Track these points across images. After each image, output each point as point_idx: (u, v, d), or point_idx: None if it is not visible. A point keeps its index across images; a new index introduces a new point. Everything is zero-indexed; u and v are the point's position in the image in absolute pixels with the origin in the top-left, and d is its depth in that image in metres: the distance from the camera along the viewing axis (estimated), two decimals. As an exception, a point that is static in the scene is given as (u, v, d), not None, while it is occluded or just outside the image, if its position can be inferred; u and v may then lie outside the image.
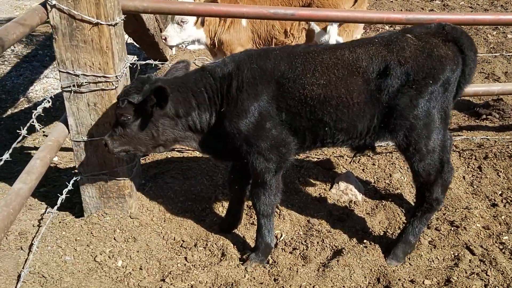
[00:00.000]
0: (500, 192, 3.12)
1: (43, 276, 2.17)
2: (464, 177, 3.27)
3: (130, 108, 2.23)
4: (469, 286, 2.31)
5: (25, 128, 2.40)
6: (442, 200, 2.50)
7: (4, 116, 4.86)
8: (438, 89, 2.21)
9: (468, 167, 3.36)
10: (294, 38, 4.03)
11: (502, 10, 8.80)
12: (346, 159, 3.39)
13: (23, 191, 1.97)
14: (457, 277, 2.38)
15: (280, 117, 2.28)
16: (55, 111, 4.52)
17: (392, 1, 9.70)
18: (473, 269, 2.45)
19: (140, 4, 2.68)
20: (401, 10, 8.99)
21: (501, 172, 3.27)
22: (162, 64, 3.67)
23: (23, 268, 2.18)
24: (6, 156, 2.19)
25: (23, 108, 5.11)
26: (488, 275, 2.41)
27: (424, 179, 2.37)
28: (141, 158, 3.38)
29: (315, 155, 3.47)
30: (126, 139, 2.31)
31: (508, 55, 6.31)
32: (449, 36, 2.27)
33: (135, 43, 5.45)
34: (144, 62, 3.07)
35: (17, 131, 2.54)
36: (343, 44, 2.40)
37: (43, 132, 4.45)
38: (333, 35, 3.75)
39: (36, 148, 4.07)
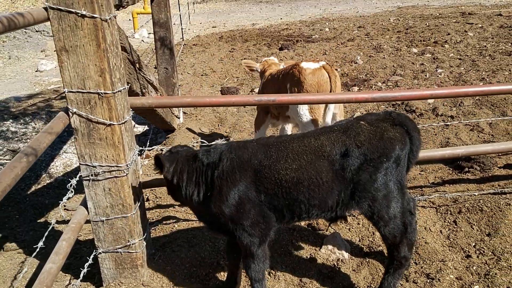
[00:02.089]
0: (474, 244, 3.44)
1: None
2: (441, 231, 3.61)
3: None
4: (440, 334, 2.62)
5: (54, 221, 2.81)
6: (410, 257, 2.84)
7: (28, 192, 5.36)
8: (391, 165, 2.62)
9: (444, 221, 3.70)
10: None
11: (490, 60, 9.34)
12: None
13: (53, 269, 2.38)
14: (430, 326, 2.69)
15: (259, 198, 2.69)
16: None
17: (384, 57, 10.33)
18: (445, 318, 2.76)
19: (146, 101, 3.21)
20: (394, 65, 9.58)
21: (474, 225, 3.61)
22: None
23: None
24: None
25: (45, 184, 5.61)
26: (458, 323, 2.71)
27: (391, 241, 2.74)
28: (151, 229, 3.80)
29: (306, 217, 3.86)
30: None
31: (493, 106, 6.76)
32: (395, 121, 2.72)
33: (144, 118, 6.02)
34: (150, 149, 3.56)
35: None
36: (309, 133, 2.85)
37: (64, 206, 4.92)
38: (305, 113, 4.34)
39: (57, 222, 4.50)
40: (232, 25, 18.89)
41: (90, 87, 2.68)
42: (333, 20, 18.04)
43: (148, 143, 6.03)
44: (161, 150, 6.02)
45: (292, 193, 2.64)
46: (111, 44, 2.72)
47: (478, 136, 5.71)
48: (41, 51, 14.69)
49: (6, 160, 6.19)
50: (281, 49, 12.17)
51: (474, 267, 3.18)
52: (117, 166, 2.86)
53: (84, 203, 3.01)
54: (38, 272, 3.42)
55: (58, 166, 6.00)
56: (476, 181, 4.48)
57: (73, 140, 6.99)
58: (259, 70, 5.59)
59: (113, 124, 2.78)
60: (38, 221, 4.67)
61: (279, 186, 2.64)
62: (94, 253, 3.05)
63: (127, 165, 2.89)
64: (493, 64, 8.97)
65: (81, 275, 2.84)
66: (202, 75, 9.83)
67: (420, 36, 12.48)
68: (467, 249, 3.39)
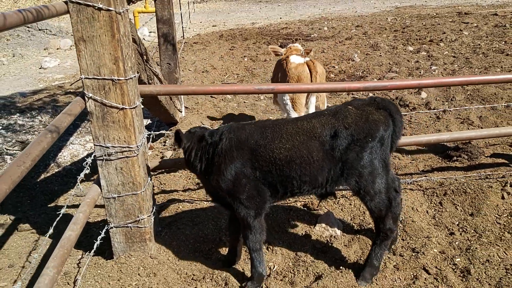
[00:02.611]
0: (457, 223, 3.71)
1: (86, 304, 2.81)
2: (427, 211, 3.88)
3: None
4: (422, 298, 2.89)
5: (73, 191, 3.07)
6: (395, 229, 3.10)
7: (38, 180, 5.62)
8: (376, 144, 2.89)
9: (431, 202, 3.98)
10: None
11: (483, 57, 9.62)
12: (327, 201, 4.04)
13: (72, 236, 2.65)
14: (413, 292, 2.96)
15: (255, 175, 2.96)
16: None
17: (380, 55, 10.60)
18: (427, 285, 3.02)
19: (154, 89, 3.48)
20: (389, 62, 9.86)
21: (458, 205, 3.88)
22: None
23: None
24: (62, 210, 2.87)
25: (54, 172, 5.87)
26: (439, 290, 2.98)
27: (377, 215, 3.01)
28: (158, 211, 4.07)
29: (302, 199, 4.14)
30: None
31: (483, 101, 7.03)
32: (379, 105, 2.98)
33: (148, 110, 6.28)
34: (157, 133, 3.83)
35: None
36: (302, 116, 3.12)
37: (73, 193, 5.18)
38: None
39: (69, 207, 4.77)
40: (232, 24, 19.16)
41: (105, 74, 2.94)
42: (331, 19, 18.31)
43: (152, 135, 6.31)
44: (164, 142, 6.33)
45: (285, 170, 2.91)
46: (124, 35, 2.98)
47: (468, 129, 5.97)
48: (44, 49, 14.92)
49: (16, 150, 6.44)
50: (280, 46, 12.42)
51: (457, 243, 3.46)
52: (128, 147, 3.13)
53: (97, 182, 3.27)
54: (51, 248, 3.69)
55: (66, 156, 6.26)
56: (463, 169, 4.75)
57: (78, 133, 7.26)
58: (282, 55, 5.82)
59: (125, 108, 3.04)
60: (49, 205, 4.93)
61: (273, 164, 2.91)
62: (106, 228, 3.31)
63: (137, 146, 3.15)
64: (486, 61, 9.24)
65: (95, 246, 3.10)
66: (203, 72, 10.10)
67: (416, 35, 12.75)
68: (451, 227, 3.66)
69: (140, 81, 4.02)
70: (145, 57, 4.13)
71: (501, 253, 3.28)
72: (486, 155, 5.04)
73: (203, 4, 30.49)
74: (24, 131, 7.36)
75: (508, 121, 5.99)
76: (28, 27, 16.78)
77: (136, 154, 3.16)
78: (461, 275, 3.10)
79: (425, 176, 4.39)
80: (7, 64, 13.17)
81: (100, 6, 2.77)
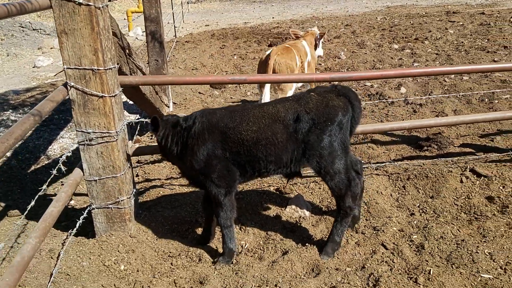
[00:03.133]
0: (418, 204, 3.97)
1: (67, 274, 3.03)
2: (391, 195, 4.14)
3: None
4: (378, 269, 3.13)
5: (55, 170, 3.32)
6: (354, 207, 3.35)
7: (29, 171, 5.85)
8: (335, 128, 3.14)
9: (395, 186, 4.24)
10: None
11: (465, 54, 9.90)
12: (298, 186, 4.29)
13: (54, 212, 2.89)
14: (370, 264, 3.20)
15: (225, 155, 3.21)
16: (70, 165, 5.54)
17: (366, 53, 10.88)
18: (383, 259, 3.27)
19: (133, 80, 3.72)
20: (374, 60, 10.12)
21: (420, 189, 4.14)
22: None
23: (53, 270, 3.06)
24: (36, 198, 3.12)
25: (44, 164, 6.11)
26: (394, 262, 3.23)
27: (337, 193, 3.26)
28: (139, 195, 4.32)
29: (275, 184, 4.39)
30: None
31: (460, 95, 7.30)
32: (340, 92, 3.24)
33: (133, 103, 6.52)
34: (137, 120, 4.07)
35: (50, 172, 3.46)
36: (268, 102, 3.37)
37: (61, 182, 5.43)
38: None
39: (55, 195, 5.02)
40: (224, 23, 19.41)
41: (85, 64, 3.19)
42: (322, 19, 18.60)
43: (138, 128, 6.56)
44: (151, 136, 6.56)
45: (252, 151, 3.16)
46: (103, 28, 3.23)
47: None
48: (38, 49, 15.13)
49: (8, 144, 6.66)
50: (270, 45, 12.69)
51: (415, 222, 3.71)
52: (108, 133, 3.37)
53: (80, 166, 3.51)
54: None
55: (56, 149, 6.49)
56: (432, 157, 5.00)
57: (68, 127, 7.49)
58: (300, 37, 6.82)
59: (105, 96, 3.28)
60: (38, 194, 5.16)
61: (242, 145, 3.16)
62: (88, 208, 3.55)
63: (116, 132, 3.40)
64: (467, 58, 9.52)
65: (77, 224, 3.34)
66: (192, 69, 10.35)
67: (403, 33, 13.04)
68: (412, 209, 3.92)
69: (123, 73, 4.27)
70: (127, 51, 4.38)
71: (455, 230, 3.54)
72: (455, 145, 5.30)
73: (198, 4, 30.75)
74: (16, 126, 7.58)
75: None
76: (22, 27, 17.01)
77: (115, 139, 3.41)
78: (416, 249, 3.36)
79: (389, 162, 4.65)
80: (1, 63, 13.38)
81: (80, 1, 3.02)
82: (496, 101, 6.75)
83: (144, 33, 7.57)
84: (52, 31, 17.17)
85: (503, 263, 3.10)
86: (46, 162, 6.14)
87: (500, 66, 4.16)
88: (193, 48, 12.94)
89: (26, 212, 3.19)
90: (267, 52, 5.63)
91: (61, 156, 6.20)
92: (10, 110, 8.40)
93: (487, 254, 3.18)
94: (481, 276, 2.98)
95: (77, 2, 3.04)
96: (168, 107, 7.33)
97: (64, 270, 3.08)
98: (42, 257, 3.26)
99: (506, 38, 11.14)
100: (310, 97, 3.19)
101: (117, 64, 3.54)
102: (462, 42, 11.06)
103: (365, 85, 8.34)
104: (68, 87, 3.26)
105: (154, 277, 3.22)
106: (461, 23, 13.82)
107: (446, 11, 17.59)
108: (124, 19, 19.05)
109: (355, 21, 16.81)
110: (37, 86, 10.41)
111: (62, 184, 5.30)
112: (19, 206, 4.77)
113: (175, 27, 15.22)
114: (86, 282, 2.99)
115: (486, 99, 6.87)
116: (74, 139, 6.80)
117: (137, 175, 5.07)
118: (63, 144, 6.63)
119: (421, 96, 7.38)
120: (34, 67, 12.51)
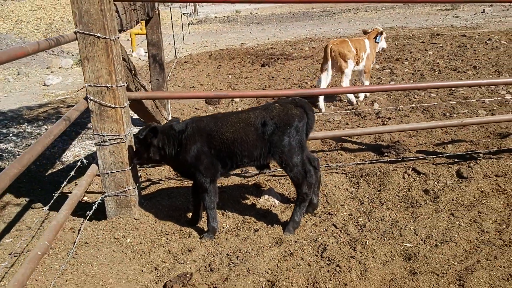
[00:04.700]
0: (368, 196, 4.90)
1: (86, 243, 3.95)
2: (347, 188, 5.07)
3: (138, 140, 4.18)
4: (327, 241, 4.04)
5: (73, 171, 4.25)
6: (310, 194, 4.26)
7: (46, 174, 6.79)
8: (293, 131, 4.09)
9: (350, 182, 5.17)
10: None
11: (437, 74, 10.87)
12: (271, 181, 5.23)
13: (78, 193, 3.82)
14: (321, 238, 4.11)
15: (210, 152, 4.15)
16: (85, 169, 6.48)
17: (349, 73, 11.87)
18: (332, 234, 4.18)
19: (138, 95, 4.70)
20: (355, 79, 11.10)
21: (370, 184, 5.07)
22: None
23: (75, 240, 3.98)
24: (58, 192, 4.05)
25: (59, 169, 7.05)
26: (340, 236, 4.14)
27: (296, 182, 4.20)
28: (141, 189, 5.25)
29: (253, 180, 5.33)
30: (136, 156, 4.26)
31: (425, 110, 8.26)
32: (297, 103, 4.19)
33: (140, 118, 7.49)
34: (141, 128, 5.02)
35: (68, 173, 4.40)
36: (242, 110, 4.33)
37: (75, 183, 6.36)
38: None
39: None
40: (222, 44, 20.55)
41: (102, 83, 4.16)
42: (314, 40, 19.70)
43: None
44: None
45: (231, 148, 4.11)
46: (116, 55, 4.20)
47: (406, 133, 7.18)
48: (47, 68, 16.18)
49: (26, 152, 7.62)
50: (262, 65, 13.75)
51: (363, 209, 4.64)
52: (118, 136, 4.32)
53: (95, 162, 4.45)
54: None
55: (69, 156, 7.45)
56: (390, 162, 5.94)
57: (79, 138, 8.44)
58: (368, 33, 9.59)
59: (116, 107, 4.24)
60: (56, 192, 6.09)
61: (223, 143, 4.11)
62: (101, 197, 4.48)
63: (125, 135, 4.35)
64: (438, 77, 10.53)
65: (93, 207, 4.27)
66: (190, 87, 11.36)
67: (386, 54, 14.08)
68: (362, 199, 4.85)
69: (130, 90, 5.23)
70: (133, 72, 5.36)
71: (393, 215, 4.46)
72: (411, 152, 6.24)
73: (198, 26, 32.01)
74: (32, 137, 8.56)
75: (446, 129, 7.15)
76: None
77: (124, 141, 4.35)
78: (359, 228, 4.28)
79: (346, 163, 5.60)
80: (13, 82, 14.40)
81: (99, 35, 4.00)
82: (455, 115, 7.71)
83: (147, 54, 8.59)
84: (59, 52, 18.28)
85: (424, 236, 4.01)
86: (61, 167, 7.09)
87: (443, 84, 5.15)
88: (192, 68, 13.99)
89: (50, 204, 4.08)
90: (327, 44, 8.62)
91: (74, 162, 7.15)
92: (26, 124, 9.40)
93: (412, 230, 4.09)
94: (404, 245, 3.90)
95: (96, 36, 4.02)
96: (167, 119, 8.29)
97: (84, 240, 4.00)
98: (65, 233, 4.18)
99: (478, 59, 12.15)
100: (274, 107, 4.15)
101: (126, 82, 4.51)
102: (438, 63, 12.07)
103: (344, 101, 9.31)
104: (88, 100, 4.22)
105: (153, 247, 4.13)
106: (441, 45, 14.86)
107: (431, 33, 18.60)
108: (128, 40, 20.22)
109: (345, 42, 17.86)
110: (48, 103, 11.41)
111: (76, 184, 6.23)
112: (41, 200, 5.69)
113: (175, 48, 16.31)
114: (101, 248, 3.91)
115: (447, 113, 7.83)
116: (84, 148, 7.76)
117: (140, 176, 6.01)
118: (75, 152, 7.59)
119: (391, 110, 8.35)
120: (44, 85, 13.51)
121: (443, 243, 3.87)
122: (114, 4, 4.17)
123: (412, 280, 3.44)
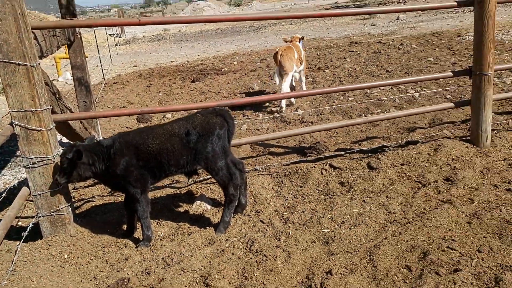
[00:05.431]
0: (291, 193, 5.34)
1: (24, 261, 4.03)
2: (273, 188, 5.49)
3: (66, 160, 4.28)
4: (255, 236, 4.41)
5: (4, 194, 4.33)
6: (237, 195, 4.62)
7: (-25, 205, 6.66)
8: (215, 138, 4.44)
9: (276, 182, 5.60)
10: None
11: (354, 79, 11.67)
12: (203, 188, 5.55)
13: (11, 215, 3.93)
14: (250, 233, 4.47)
15: (139, 164, 4.40)
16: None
17: (275, 83, 12.46)
18: (260, 229, 4.56)
19: (64, 116, 4.86)
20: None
21: (293, 181, 5.53)
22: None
23: (13, 259, 4.07)
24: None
25: (-12, 198, 6.93)
26: (267, 230, 4.53)
27: (222, 184, 4.55)
28: (74, 205, 5.37)
29: (185, 188, 5.62)
30: (66, 175, 4.35)
31: (343, 113, 8.92)
32: (218, 113, 4.56)
33: (68, 140, 7.53)
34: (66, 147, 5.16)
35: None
36: (167, 122, 4.63)
37: (7, 209, 6.30)
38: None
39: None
40: (152, 63, 20.64)
41: (26, 107, 4.29)
42: (243, 54, 20.30)
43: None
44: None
45: (158, 158, 4.38)
46: (38, 80, 4.36)
47: (326, 133, 7.76)
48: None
49: (-49, 186, 7.39)
50: (193, 81, 14.06)
51: (287, 204, 5.07)
52: (46, 157, 4.46)
53: (26, 184, 4.55)
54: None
55: (0, 185, 7.34)
56: (311, 161, 6.45)
57: (9, 167, 8.30)
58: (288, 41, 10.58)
59: (42, 130, 4.39)
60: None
61: (150, 155, 4.37)
62: (35, 217, 4.58)
63: (53, 156, 4.49)
64: (356, 82, 11.35)
65: (30, 224, 4.37)
66: (120, 107, 11.43)
67: (309, 64, 14.88)
68: (286, 196, 5.28)
69: (55, 113, 5.36)
70: (57, 95, 5.49)
71: (313, 206, 4.92)
72: (330, 150, 6.80)
73: (126, 46, 31.75)
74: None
75: (362, 128, 7.80)
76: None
77: (53, 162, 4.50)
78: (284, 221, 4.70)
79: (271, 165, 6.05)
80: None
81: (19, 62, 4.15)
82: (370, 115, 8.43)
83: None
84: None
85: (339, 222, 4.49)
86: (-9, 197, 6.97)
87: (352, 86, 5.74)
88: (121, 89, 14.03)
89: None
90: (276, 50, 9.82)
91: (5, 190, 7.06)
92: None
93: (330, 217, 4.56)
94: (323, 231, 4.35)
95: (17, 63, 4.17)
96: (99, 136, 8.36)
97: (22, 259, 4.09)
98: (2, 254, 4.25)
99: (391, 63, 13.20)
100: (196, 117, 4.49)
101: (50, 106, 4.67)
102: (355, 69, 12.97)
103: (272, 110, 9.83)
104: (14, 125, 4.34)
105: (90, 259, 4.30)
106: (358, 52, 15.92)
107: (350, 41, 19.75)
108: (53, 64, 19.78)
109: (271, 55, 18.60)
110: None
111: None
112: (-29, 232, 5.62)
113: (102, 69, 16.24)
114: (40, 264, 4.03)
115: (363, 114, 8.54)
116: (15, 175, 7.66)
117: (73, 197, 6.09)
118: (5, 180, 7.48)
119: (314, 115, 8.95)
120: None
121: (356, 226, 4.35)
122: (32, 32, 4.34)
123: (330, 260, 3.87)
